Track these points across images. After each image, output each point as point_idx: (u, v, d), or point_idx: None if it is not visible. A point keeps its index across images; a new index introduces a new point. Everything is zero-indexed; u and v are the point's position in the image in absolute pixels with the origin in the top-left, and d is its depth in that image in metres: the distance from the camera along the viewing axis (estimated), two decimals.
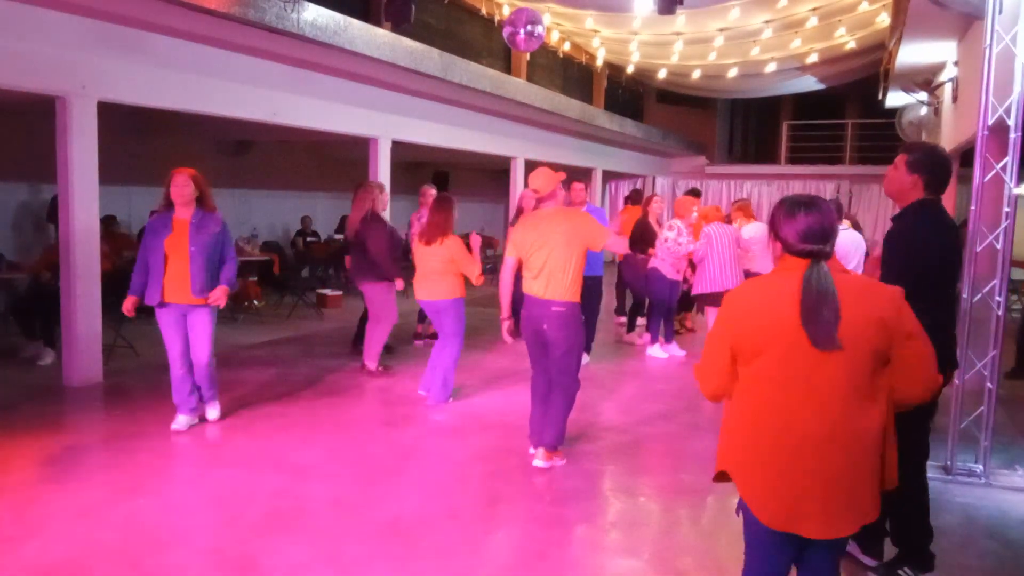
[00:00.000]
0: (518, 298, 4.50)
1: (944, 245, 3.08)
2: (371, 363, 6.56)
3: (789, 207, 2.14)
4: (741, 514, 2.22)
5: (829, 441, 2.04)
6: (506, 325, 4.55)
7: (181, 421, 4.90)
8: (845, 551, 2.20)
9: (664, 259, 7.49)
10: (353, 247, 6.56)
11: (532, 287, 4.34)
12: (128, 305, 4.77)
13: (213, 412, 5.11)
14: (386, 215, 9.27)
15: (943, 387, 2.54)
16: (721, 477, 2.25)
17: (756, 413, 2.13)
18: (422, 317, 8.02)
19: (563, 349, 4.32)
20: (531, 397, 4.61)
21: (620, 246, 4.72)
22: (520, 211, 7.05)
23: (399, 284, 6.47)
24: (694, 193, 9.07)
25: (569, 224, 4.30)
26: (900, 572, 3.19)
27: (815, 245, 2.08)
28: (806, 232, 2.09)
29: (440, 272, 5.59)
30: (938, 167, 3.10)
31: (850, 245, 5.85)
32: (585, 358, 6.89)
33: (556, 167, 4.62)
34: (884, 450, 2.11)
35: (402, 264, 6.70)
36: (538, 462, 4.41)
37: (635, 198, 9.95)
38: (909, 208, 3.13)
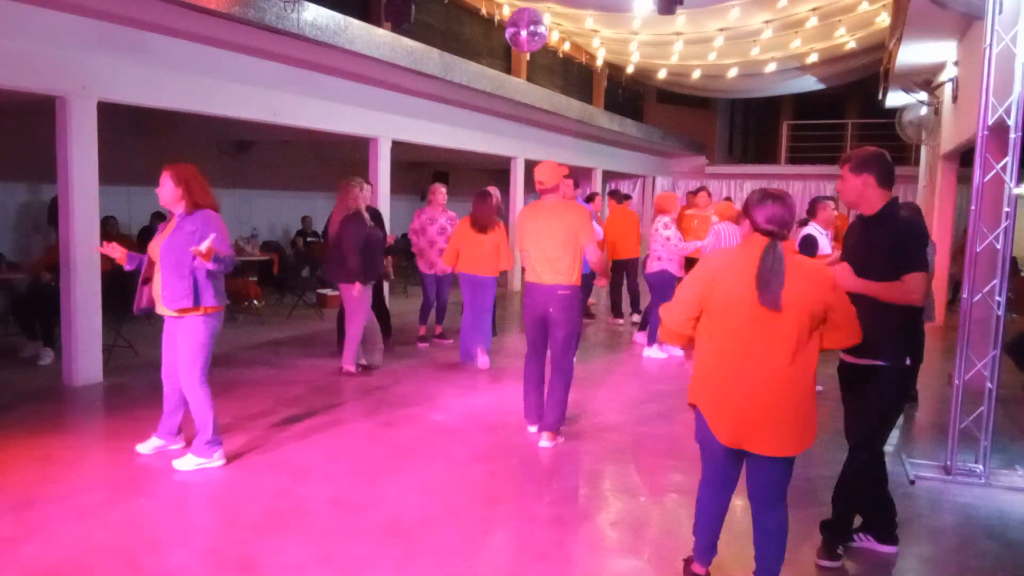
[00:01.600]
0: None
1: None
2: (349, 365, 6.47)
3: (762, 196, 2.71)
4: (698, 438, 2.87)
5: (778, 382, 2.62)
6: None
7: (147, 443, 4.46)
8: (791, 463, 2.78)
9: (672, 259, 7.48)
10: (332, 245, 6.46)
11: (537, 275, 4.73)
12: (114, 249, 4.23)
13: (184, 463, 4.23)
14: (385, 211, 9.27)
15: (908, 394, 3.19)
16: (692, 406, 2.83)
17: (720, 358, 2.71)
18: (424, 318, 8.00)
19: (566, 331, 4.76)
20: (524, 381, 5.04)
21: (594, 254, 4.77)
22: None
23: (356, 288, 6.20)
24: (700, 189, 9.17)
25: (569, 216, 4.72)
26: (857, 536, 3.36)
27: (776, 228, 2.66)
28: (771, 217, 2.66)
29: (490, 254, 6.77)
30: (879, 160, 3.22)
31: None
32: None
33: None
34: (814, 390, 2.72)
35: (380, 263, 6.54)
36: (544, 443, 4.81)
37: (616, 196, 10.08)
38: (889, 206, 3.21)
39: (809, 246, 5.83)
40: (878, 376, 3.19)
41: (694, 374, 2.82)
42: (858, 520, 3.50)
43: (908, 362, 3.19)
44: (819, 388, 6.10)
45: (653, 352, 7.67)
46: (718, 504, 2.92)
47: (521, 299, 4.99)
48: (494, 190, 7.89)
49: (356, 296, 6.28)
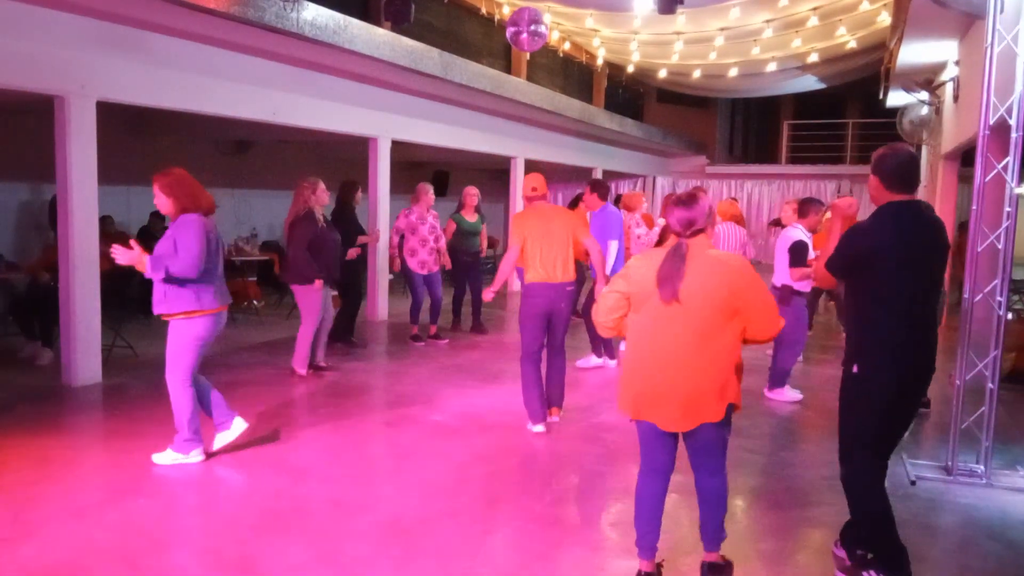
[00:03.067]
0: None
1: (902, 244, 3.00)
2: (300, 368, 6.35)
3: (672, 201, 2.95)
4: (636, 425, 3.06)
5: (681, 366, 2.87)
6: (487, 291, 5.44)
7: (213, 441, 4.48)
8: (715, 438, 2.96)
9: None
10: (286, 247, 6.42)
11: (548, 273, 4.97)
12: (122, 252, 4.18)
13: (163, 457, 4.30)
14: (384, 211, 9.27)
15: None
16: (623, 410, 3.05)
17: (636, 345, 3.00)
18: (415, 317, 7.96)
19: (568, 322, 5.17)
20: (525, 385, 5.07)
21: (594, 247, 5.22)
22: (463, 205, 8.28)
23: (316, 284, 6.18)
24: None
25: (567, 218, 5.19)
26: (864, 573, 3.13)
27: (681, 229, 2.91)
28: (678, 220, 2.91)
29: None
30: (884, 162, 3.09)
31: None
32: (611, 362, 6.94)
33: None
34: (731, 375, 2.89)
35: (332, 265, 6.42)
36: (554, 418, 5.25)
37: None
38: (877, 209, 3.14)
39: (800, 252, 5.81)
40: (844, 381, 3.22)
41: (623, 366, 3.11)
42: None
43: (855, 369, 3.08)
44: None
45: None
46: (653, 491, 3.08)
47: (523, 300, 5.08)
48: (474, 191, 8.29)
49: (313, 295, 6.22)
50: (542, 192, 5.16)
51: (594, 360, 6.98)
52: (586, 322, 6.84)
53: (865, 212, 3.21)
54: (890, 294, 3.02)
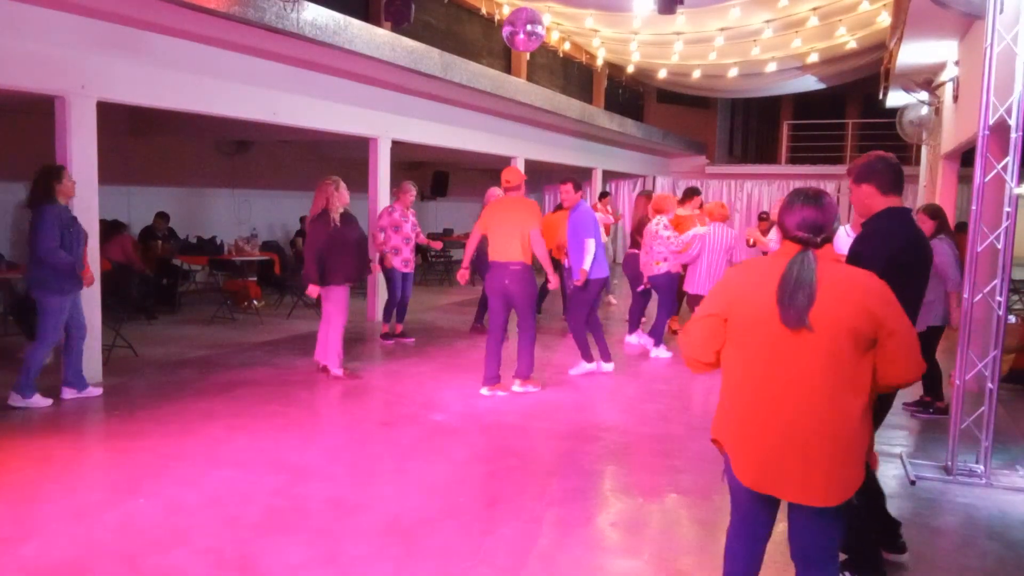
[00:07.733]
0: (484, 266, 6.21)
1: (917, 252, 3.02)
2: (337, 369, 6.32)
3: (792, 198, 2.35)
4: (726, 479, 2.41)
5: (810, 417, 2.21)
6: (461, 272, 6.18)
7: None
8: (838, 522, 2.33)
9: (670, 259, 7.47)
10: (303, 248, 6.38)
11: (496, 254, 5.84)
12: None
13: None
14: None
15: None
16: (716, 442, 2.44)
17: (742, 387, 2.33)
18: (389, 316, 7.95)
19: (524, 301, 5.83)
20: (486, 350, 5.91)
21: (537, 242, 5.79)
22: (487, 204, 8.10)
23: (311, 291, 6.12)
24: (693, 192, 9.02)
25: (517, 209, 5.87)
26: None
27: (806, 234, 2.27)
28: (800, 222, 2.28)
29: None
30: (879, 166, 3.09)
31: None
32: (608, 366, 6.79)
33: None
34: (861, 436, 2.24)
35: (364, 264, 6.40)
36: (516, 388, 5.95)
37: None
38: (880, 212, 3.07)
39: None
40: None
41: (718, 407, 2.45)
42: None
43: None
44: None
45: (660, 352, 7.62)
46: (745, 560, 2.48)
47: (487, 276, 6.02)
48: (496, 190, 8.03)
49: (344, 295, 6.23)
50: (513, 185, 5.94)
51: (585, 366, 6.66)
52: (571, 326, 6.78)
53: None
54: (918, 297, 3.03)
